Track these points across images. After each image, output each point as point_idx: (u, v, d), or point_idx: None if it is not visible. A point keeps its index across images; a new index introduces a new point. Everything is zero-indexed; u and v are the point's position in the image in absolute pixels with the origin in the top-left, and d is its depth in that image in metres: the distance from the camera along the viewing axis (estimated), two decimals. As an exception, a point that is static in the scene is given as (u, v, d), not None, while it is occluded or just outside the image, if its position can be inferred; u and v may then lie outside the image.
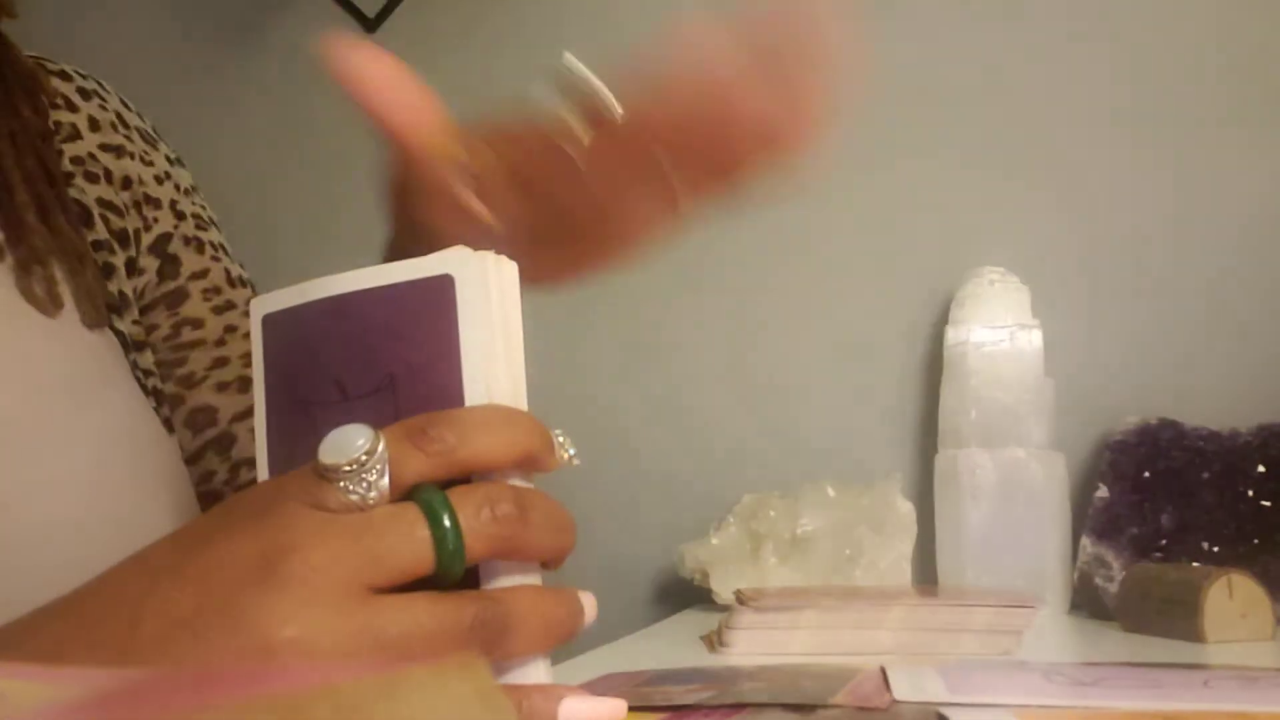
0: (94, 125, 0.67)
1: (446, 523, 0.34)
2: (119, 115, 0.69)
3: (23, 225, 0.58)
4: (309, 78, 1.07)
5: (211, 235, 0.72)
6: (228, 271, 0.72)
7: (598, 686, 0.46)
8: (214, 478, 0.66)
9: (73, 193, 0.64)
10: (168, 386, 0.67)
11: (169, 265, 0.68)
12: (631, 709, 0.41)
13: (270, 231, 1.07)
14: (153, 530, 0.56)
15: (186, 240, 0.69)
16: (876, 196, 1.01)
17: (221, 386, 0.67)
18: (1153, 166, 0.97)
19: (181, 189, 0.71)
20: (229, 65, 1.08)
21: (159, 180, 0.69)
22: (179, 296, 0.68)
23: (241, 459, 0.67)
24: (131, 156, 0.68)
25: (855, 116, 1.01)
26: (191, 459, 0.67)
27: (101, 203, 0.65)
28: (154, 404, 0.64)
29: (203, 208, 0.73)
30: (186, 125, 1.08)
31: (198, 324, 0.68)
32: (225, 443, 0.67)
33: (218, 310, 0.69)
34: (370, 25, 1.06)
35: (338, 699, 0.19)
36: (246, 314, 0.69)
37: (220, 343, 0.68)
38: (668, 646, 0.68)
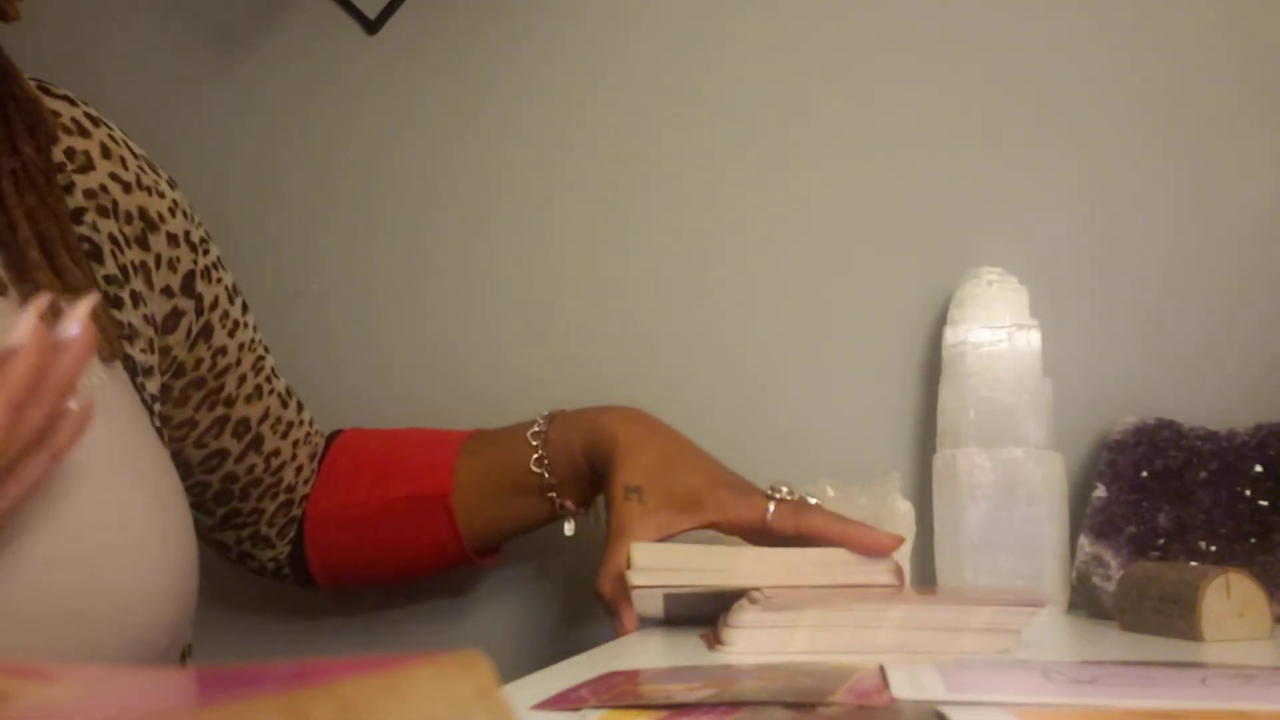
0: (105, 152, 0.69)
1: None
2: (126, 144, 0.71)
3: (25, 261, 0.60)
4: (310, 80, 1.07)
5: (212, 255, 0.77)
6: (228, 289, 0.77)
7: (598, 685, 0.46)
8: (228, 457, 0.79)
9: (84, 229, 0.66)
10: (217, 410, 0.77)
11: (198, 303, 0.74)
12: (632, 708, 0.41)
13: (270, 235, 1.07)
14: (147, 528, 0.58)
15: (204, 273, 0.75)
16: (874, 196, 1.01)
17: (248, 399, 0.79)
18: (1152, 167, 0.97)
19: (185, 213, 0.74)
20: (228, 68, 1.08)
21: (172, 212, 0.73)
22: (208, 330, 0.76)
23: (270, 451, 0.81)
24: (149, 191, 0.71)
25: (853, 116, 1.01)
26: (238, 458, 0.79)
27: (112, 239, 0.67)
28: (157, 424, 0.66)
29: (200, 225, 0.76)
30: (185, 130, 1.08)
31: (223, 351, 0.77)
32: (258, 442, 0.80)
33: (230, 333, 0.77)
34: (371, 26, 1.06)
35: (340, 698, 0.19)
36: (247, 324, 0.80)
37: (239, 362, 0.78)
38: (667, 645, 0.68)
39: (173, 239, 0.72)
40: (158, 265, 0.71)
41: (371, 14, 1.06)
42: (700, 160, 1.03)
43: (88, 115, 0.70)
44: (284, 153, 1.08)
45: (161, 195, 0.72)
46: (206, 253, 0.75)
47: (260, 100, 1.08)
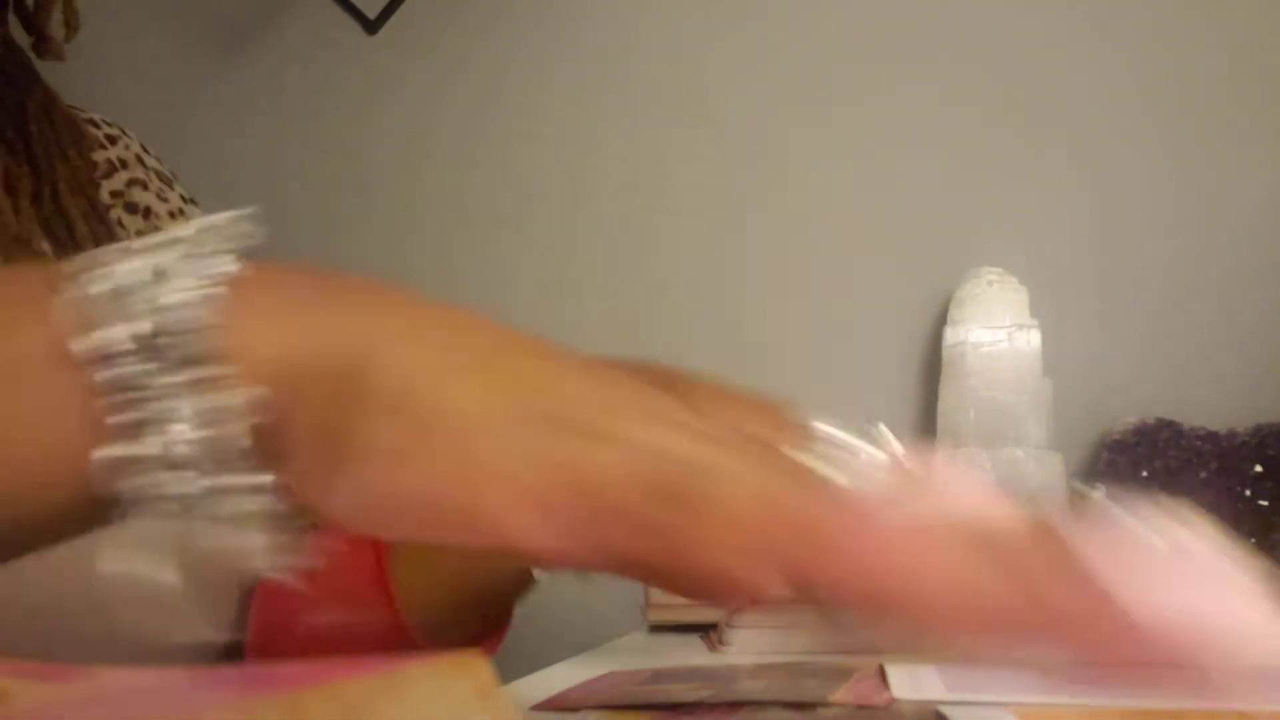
0: (122, 164, 0.72)
1: None
2: (139, 157, 0.75)
3: None
4: (310, 80, 1.07)
5: None
6: None
7: (598, 685, 0.46)
8: None
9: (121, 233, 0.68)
10: None
11: None
12: (631, 708, 0.41)
13: (270, 235, 1.07)
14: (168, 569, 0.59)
15: None
16: (875, 197, 1.01)
17: None
18: (1152, 167, 0.97)
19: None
20: (229, 68, 1.08)
21: (171, 215, 0.75)
22: None
23: None
24: (145, 188, 0.74)
25: (854, 117, 1.01)
26: None
27: (138, 235, 0.70)
28: None
29: None
30: (185, 129, 1.08)
31: None
32: None
33: None
34: (371, 26, 1.06)
35: (340, 698, 0.19)
36: None
37: None
38: (668, 645, 0.68)
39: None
40: None
41: (371, 14, 1.06)
42: (698, 164, 1.03)
43: (107, 136, 0.75)
44: (284, 152, 1.08)
45: (165, 200, 0.76)
46: None
47: (260, 100, 1.08)
